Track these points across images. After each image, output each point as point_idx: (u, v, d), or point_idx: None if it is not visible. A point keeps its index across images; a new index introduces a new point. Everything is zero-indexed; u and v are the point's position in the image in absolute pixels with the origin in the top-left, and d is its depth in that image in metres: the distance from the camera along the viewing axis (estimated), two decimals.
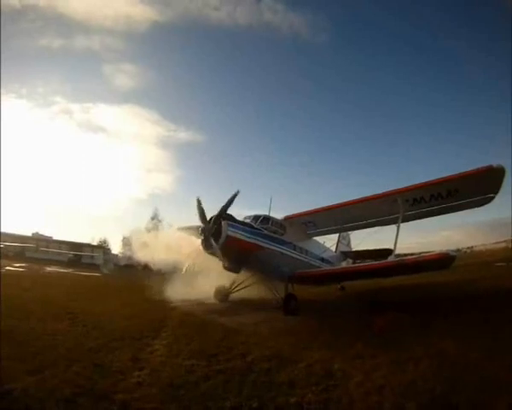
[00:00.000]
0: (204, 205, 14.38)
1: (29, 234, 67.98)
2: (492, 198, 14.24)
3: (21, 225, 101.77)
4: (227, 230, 13.90)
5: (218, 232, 13.86)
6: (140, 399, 4.92)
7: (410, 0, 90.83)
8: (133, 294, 18.79)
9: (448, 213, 15.78)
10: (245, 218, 16.04)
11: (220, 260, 14.83)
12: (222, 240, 13.70)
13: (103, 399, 4.88)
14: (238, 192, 14.08)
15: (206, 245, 14.09)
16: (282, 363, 6.70)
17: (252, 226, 15.33)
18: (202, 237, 14.24)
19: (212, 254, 14.38)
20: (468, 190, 13.83)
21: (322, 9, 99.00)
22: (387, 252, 16.38)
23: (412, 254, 19.45)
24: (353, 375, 5.85)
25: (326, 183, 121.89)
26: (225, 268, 16.67)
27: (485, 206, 14.70)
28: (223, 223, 13.92)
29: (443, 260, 13.08)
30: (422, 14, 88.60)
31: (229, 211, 14.45)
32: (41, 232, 71.04)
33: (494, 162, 12.39)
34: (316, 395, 5.01)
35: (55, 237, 69.46)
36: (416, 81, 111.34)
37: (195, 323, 11.19)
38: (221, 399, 4.94)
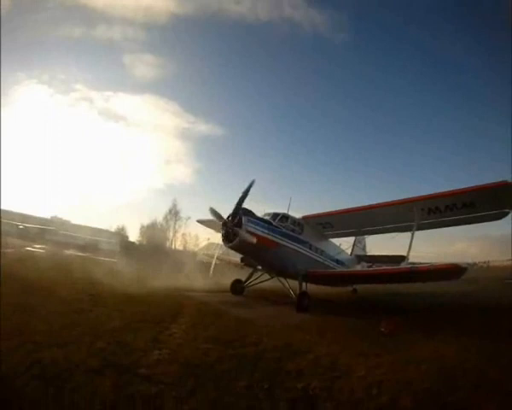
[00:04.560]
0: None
1: (48, 217, 69.67)
2: (507, 213, 14.34)
3: (41, 207, 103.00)
4: (247, 225, 14.29)
5: (237, 226, 14.19)
6: (160, 374, 5.35)
7: (427, 9, 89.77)
8: (149, 281, 19.39)
9: (462, 224, 15.91)
10: (264, 215, 16.35)
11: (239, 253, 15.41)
12: (241, 235, 14.07)
13: (127, 372, 5.31)
14: (254, 182, 14.21)
15: (227, 239, 14.42)
16: (292, 354, 7.15)
17: (270, 223, 15.67)
18: (222, 231, 14.60)
19: (232, 247, 14.78)
20: (484, 203, 13.89)
21: (344, 7, 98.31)
22: (401, 258, 16.53)
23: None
24: (357, 370, 6.28)
25: (341, 184, 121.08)
26: (242, 262, 17.23)
27: (503, 220, 14.83)
28: (243, 218, 14.27)
29: (454, 271, 13.30)
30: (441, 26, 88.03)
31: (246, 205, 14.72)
32: (59, 216, 72.64)
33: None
34: (321, 383, 5.44)
35: (73, 222, 71.00)
36: (434, 90, 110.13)
37: (211, 312, 11.66)
38: (234, 380, 5.38)
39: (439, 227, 16.50)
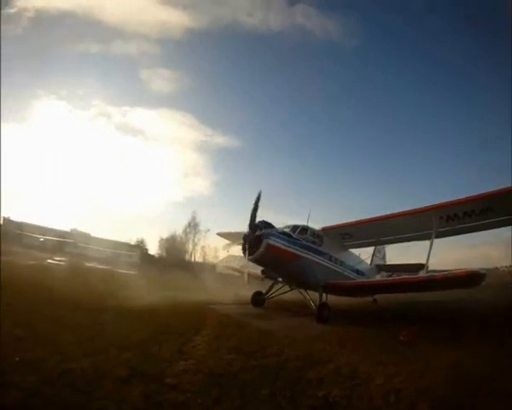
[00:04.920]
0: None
1: (68, 230, 70.67)
2: None
3: (60, 220, 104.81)
4: (268, 238, 14.51)
5: (258, 240, 14.47)
6: (186, 383, 5.61)
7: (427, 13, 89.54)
8: (170, 293, 19.69)
9: (481, 230, 15.90)
10: (284, 227, 16.48)
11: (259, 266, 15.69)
12: (262, 248, 14.29)
13: (154, 381, 5.57)
14: (261, 193, 14.65)
15: (249, 252, 14.65)
16: (313, 363, 7.37)
17: (290, 236, 15.81)
18: (244, 244, 14.89)
19: (253, 260, 15.04)
20: (501, 208, 13.94)
21: (356, 14, 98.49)
22: (421, 266, 16.53)
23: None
24: (376, 378, 6.49)
25: (359, 193, 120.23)
26: (263, 274, 17.46)
27: None
28: (264, 231, 14.56)
29: (472, 278, 13.25)
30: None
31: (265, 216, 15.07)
32: (79, 229, 73.65)
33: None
34: (341, 391, 5.67)
35: (93, 235, 71.89)
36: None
37: (233, 324, 11.95)
38: (257, 388, 5.63)
39: (458, 234, 16.56)
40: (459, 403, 5.38)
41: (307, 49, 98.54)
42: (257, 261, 15.41)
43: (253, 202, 14.63)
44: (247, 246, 14.75)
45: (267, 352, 8.19)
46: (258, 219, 14.96)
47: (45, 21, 72.99)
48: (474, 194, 13.92)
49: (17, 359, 5.66)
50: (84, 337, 7.70)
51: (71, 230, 71.07)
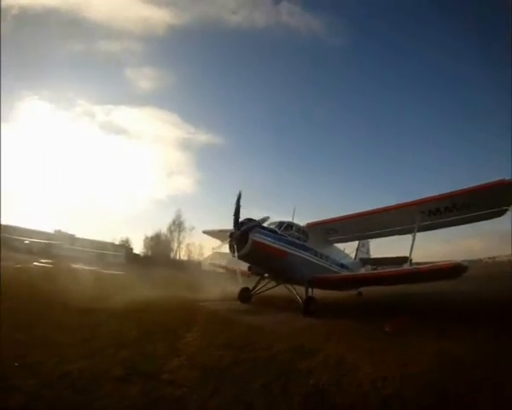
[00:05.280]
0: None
1: (51, 231, 69.91)
2: (505, 211, 14.68)
3: (44, 222, 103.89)
4: (254, 235, 14.75)
5: (245, 238, 14.65)
6: (182, 379, 5.80)
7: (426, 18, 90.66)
8: (159, 292, 19.82)
9: (462, 224, 16.30)
10: (270, 224, 16.71)
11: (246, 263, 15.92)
12: (249, 245, 14.50)
13: (151, 378, 5.76)
14: (241, 193, 14.91)
15: (235, 249, 14.84)
16: (302, 355, 7.63)
17: (276, 232, 16.07)
18: (231, 242, 15.09)
19: (240, 257, 15.16)
20: (482, 202, 14.31)
21: (341, 12, 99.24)
22: (404, 260, 16.79)
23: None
24: (363, 366, 6.74)
25: (343, 189, 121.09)
26: (250, 271, 17.68)
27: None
28: (249, 228, 14.73)
29: (455, 270, 13.66)
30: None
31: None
32: (63, 230, 72.93)
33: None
34: (330, 379, 5.94)
35: (77, 235, 71.25)
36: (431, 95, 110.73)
37: (222, 320, 12.16)
38: (250, 380, 5.86)
39: (440, 228, 16.89)
40: (444, 389, 5.60)
41: (292, 47, 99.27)
42: (244, 258, 15.57)
43: (235, 202, 14.87)
44: (234, 244, 14.94)
45: (257, 346, 8.41)
46: (243, 217, 15.17)
47: (30, 19, 72.39)
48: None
49: (16, 364, 5.76)
50: (79, 339, 7.80)
51: (55, 231, 70.53)
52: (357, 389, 5.56)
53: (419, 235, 16.51)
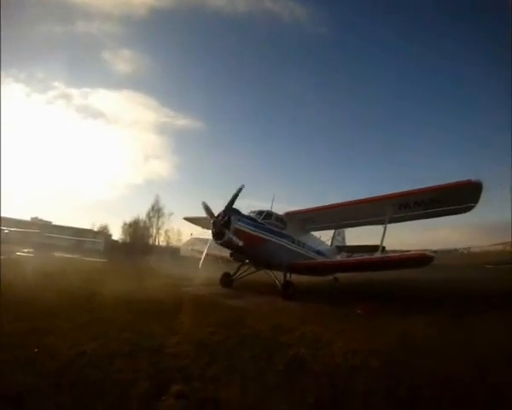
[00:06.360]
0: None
1: (28, 219, 69.18)
2: (473, 207, 15.70)
3: (20, 209, 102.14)
4: (235, 223, 15.67)
5: (227, 225, 15.49)
6: (183, 352, 6.63)
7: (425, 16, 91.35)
8: (144, 277, 20.52)
9: (431, 217, 17.49)
10: (249, 212, 17.74)
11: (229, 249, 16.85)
12: (231, 232, 15.37)
13: (156, 352, 6.52)
14: (243, 186, 15.47)
15: (217, 236, 15.69)
16: (282, 332, 8.64)
17: (256, 220, 17.11)
18: (213, 229, 15.84)
19: (222, 244, 16.11)
20: (449, 199, 15.45)
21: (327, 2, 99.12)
22: (377, 248, 17.74)
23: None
24: (336, 342, 7.78)
25: (319, 176, 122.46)
26: (231, 257, 18.60)
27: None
28: (232, 217, 15.68)
29: (422, 259, 14.95)
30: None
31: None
32: (40, 217, 72.03)
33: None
34: (307, 351, 6.96)
35: (54, 223, 70.44)
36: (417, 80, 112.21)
37: (208, 302, 13.17)
38: (240, 352, 6.80)
39: (410, 220, 18.01)
40: (407, 361, 6.51)
41: (274, 33, 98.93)
42: (226, 245, 16.43)
43: (233, 194, 15.55)
44: (216, 231, 15.78)
45: (243, 324, 9.39)
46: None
47: (3, 1, 70.56)
48: None
49: (36, 349, 6.22)
50: (81, 324, 8.41)
51: (32, 219, 69.86)
52: (330, 360, 6.55)
53: (397, 225, 17.89)
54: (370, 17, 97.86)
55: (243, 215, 16.58)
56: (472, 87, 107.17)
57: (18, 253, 31.91)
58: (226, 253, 19.42)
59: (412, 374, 5.73)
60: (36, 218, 70.64)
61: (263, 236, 17.03)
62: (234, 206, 15.96)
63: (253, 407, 4.53)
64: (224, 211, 15.75)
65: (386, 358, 6.65)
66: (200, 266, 16.76)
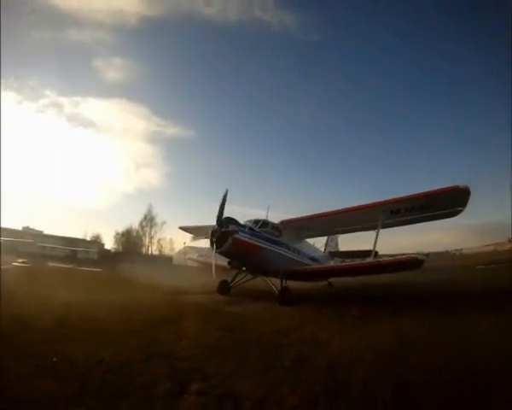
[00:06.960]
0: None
1: (19, 228, 68.67)
2: (461, 211, 16.36)
3: (10, 218, 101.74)
4: (234, 232, 16.18)
5: (225, 234, 15.99)
6: (194, 355, 7.07)
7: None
8: (141, 287, 20.98)
9: (422, 222, 17.97)
10: (246, 221, 18.28)
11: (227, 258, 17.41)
12: (229, 241, 15.88)
13: (168, 357, 6.89)
14: (227, 191, 16.04)
15: (217, 245, 16.09)
16: (282, 334, 9.18)
17: (253, 229, 17.67)
18: (212, 239, 16.25)
19: (221, 253, 16.59)
20: (439, 204, 16.03)
21: (313, 8, 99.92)
22: (370, 253, 18.25)
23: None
24: (333, 341, 8.44)
25: (312, 181, 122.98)
26: (229, 265, 19.09)
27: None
28: (230, 226, 16.20)
29: (413, 263, 15.59)
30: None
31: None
32: (31, 226, 71.47)
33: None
34: (307, 350, 7.52)
35: (46, 232, 70.11)
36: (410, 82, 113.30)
37: (208, 310, 13.52)
38: (247, 352, 7.35)
39: (401, 225, 18.71)
40: (402, 356, 7.10)
41: (264, 41, 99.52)
42: (224, 254, 16.91)
43: (221, 199, 16.04)
44: (215, 240, 16.20)
45: (245, 329, 9.93)
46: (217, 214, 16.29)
47: None
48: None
49: (54, 359, 6.39)
50: (91, 334, 8.56)
51: (23, 228, 69.55)
52: (330, 356, 7.14)
53: (390, 230, 18.50)
54: (369, 17, 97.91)
55: (241, 224, 17.18)
56: (472, 87, 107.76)
57: (14, 263, 31.96)
58: (223, 261, 19.76)
59: (405, 368, 6.30)
60: (27, 227, 70.33)
61: (260, 244, 17.56)
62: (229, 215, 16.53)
63: (266, 398, 5.04)
64: (218, 221, 16.23)
65: (381, 353, 7.28)
66: (213, 276, 16.94)
